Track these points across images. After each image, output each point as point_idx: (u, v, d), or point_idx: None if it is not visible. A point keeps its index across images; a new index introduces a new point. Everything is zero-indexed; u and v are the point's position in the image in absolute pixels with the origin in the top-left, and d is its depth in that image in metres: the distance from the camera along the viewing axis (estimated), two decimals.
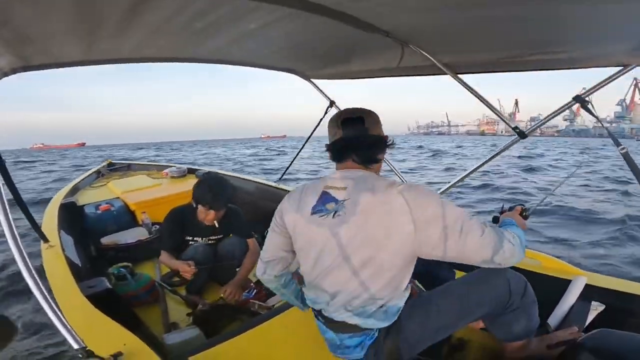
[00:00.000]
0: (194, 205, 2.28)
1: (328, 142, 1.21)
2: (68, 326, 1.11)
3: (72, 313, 1.40)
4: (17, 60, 1.46)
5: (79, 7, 1.07)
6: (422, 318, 1.15)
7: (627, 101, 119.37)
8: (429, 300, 1.19)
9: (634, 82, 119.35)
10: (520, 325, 1.23)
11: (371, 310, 1.10)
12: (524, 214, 1.36)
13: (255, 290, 2.21)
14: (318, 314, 1.23)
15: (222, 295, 2.18)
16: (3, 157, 1.71)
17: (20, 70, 1.54)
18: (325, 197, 1.14)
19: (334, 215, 1.10)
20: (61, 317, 1.12)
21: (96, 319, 1.38)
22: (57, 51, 1.51)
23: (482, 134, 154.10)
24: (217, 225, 2.31)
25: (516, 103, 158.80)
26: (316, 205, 1.15)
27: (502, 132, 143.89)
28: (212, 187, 2.23)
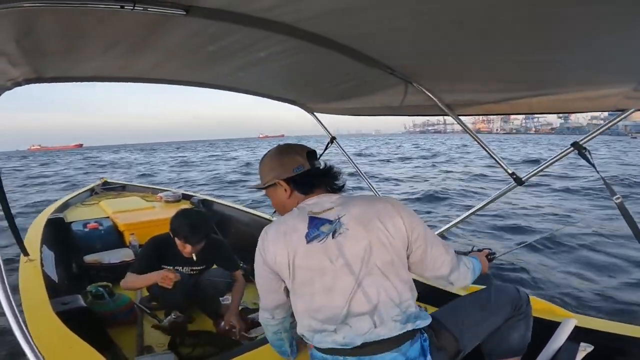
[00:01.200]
0: (172, 236, 2.17)
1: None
2: (30, 340, 1.04)
3: (40, 329, 1.34)
4: (31, 72, 1.48)
5: (99, 25, 1.10)
6: (455, 317, 1.20)
7: None
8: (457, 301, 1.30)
9: None
10: (520, 334, 1.24)
11: (412, 311, 1.09)
12: (490, 257, 1.46)
13: None
14: (358, 351, 1.05)
15: (222, 326, 2.09)
16: None
17: (34, 81, 1.56)
18: (316, 222, 1.09)
19: (333, 235, 1.06)
20: (26, 332, 1.05)
21: (63, 336, 1.31)
22: (71, 66, 1.54)
23: (478, 131, 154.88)
24: (194, 258, 2.18)
25: None
26: (310, 232, 1.07)
27: (496, 130, 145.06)
28: (189, 222, 2.11)
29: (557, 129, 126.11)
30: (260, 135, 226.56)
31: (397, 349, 1.04)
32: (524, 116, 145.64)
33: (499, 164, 1.84)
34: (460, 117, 1.85)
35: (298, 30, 1.14)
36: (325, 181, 1.20)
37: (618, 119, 1.39)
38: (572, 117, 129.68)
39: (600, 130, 1.48)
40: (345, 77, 1.77)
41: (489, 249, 1.49)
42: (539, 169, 1.75)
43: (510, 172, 1.76)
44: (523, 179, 1.74)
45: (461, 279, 1.19)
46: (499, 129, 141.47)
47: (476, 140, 2.03)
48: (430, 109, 1.93)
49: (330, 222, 1.08)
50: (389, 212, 1.09)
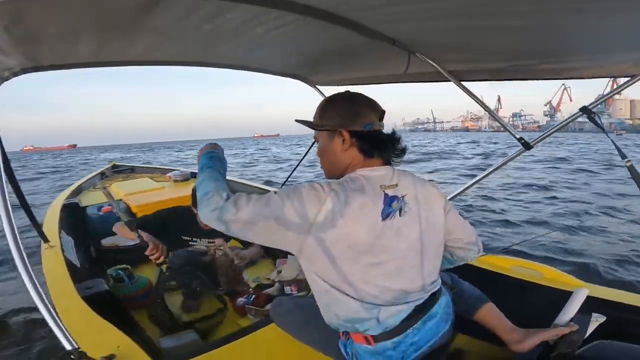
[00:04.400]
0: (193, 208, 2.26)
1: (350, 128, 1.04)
2: (62, 327, 1.10)
3: (68, 314, 1.39)
4: (27, 61, 1.47)
5: (90, 8, 1.08)
6: None
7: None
8: None
9: (562, 87, 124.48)
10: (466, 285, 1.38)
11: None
12: None
13: (254, 296, 2.19)
14: (414, 315, 1.04)
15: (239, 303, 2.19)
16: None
17: (31, 70, 1.54)
18: (388, 199, 1.02)
19: (400, 213, 1.03)
20: (55, 317, 1.11)
21: (91, 320, 1.36)
22: (67, 52, 1.51)
23: (467, 129, 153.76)
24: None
25: (498, 99, 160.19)
26: (385, 209, 1.00)
27: (485, 127, 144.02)
28: None
29: (544, 126, 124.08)
30: (256, 135, 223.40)
31: (444, 296, 1.16)
32: (511, 114, 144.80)
33: (506, 129, 1.83)
34: (462, 83, 1.82)
35: (296, 4, 1.11)
36: (387, 149, 1.09)
37: (627, 84, 1.35)
38: (558, 115, 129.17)
39: (607, 97, 1.44)
40: (346, 49, 1.73)
41: None
42: (547, 134, 1.73)
43: (518, 137, 1.75)
44: (531, 144, 1.73)
45: (481, 247, 1.28)
46: (487, 127, 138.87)
47: (483, 107, 2.02)
48: (434, 75, 1.91)
49: (397, 199, 1.03)
50: (438, 197, 1.14)
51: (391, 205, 1.01)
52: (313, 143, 2.70)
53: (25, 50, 1.35)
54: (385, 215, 1.00)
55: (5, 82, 1.48)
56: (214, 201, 0.96)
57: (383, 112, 1.11)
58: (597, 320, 1.25)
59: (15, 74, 1.51)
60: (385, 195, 1.01)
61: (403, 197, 1.04)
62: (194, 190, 2.18)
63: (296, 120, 1.18)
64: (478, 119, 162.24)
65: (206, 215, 0.97)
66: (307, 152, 2.99)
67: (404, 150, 1.12)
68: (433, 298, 1.10)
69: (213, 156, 1.15)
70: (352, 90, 1.13)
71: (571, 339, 1.14)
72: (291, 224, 0.93)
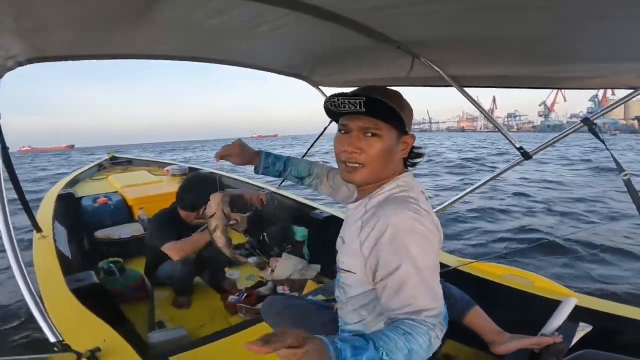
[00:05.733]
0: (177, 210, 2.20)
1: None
2: (48, 318, 1.09)
3: (55, 305, 1.39)
4: (32, 50, 1.45)
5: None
6: None
7: (600, 97, 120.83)
8: None
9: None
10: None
11: None
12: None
13: (245, 294, 2.18)
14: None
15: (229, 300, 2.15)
16: None
17: (36, 60, 1.53)
18: None
19: None
20: (42, 308, 1.10)
21: (78, 313, 1.36)
22: (72, 43, 1.50)
23: (462, 130, 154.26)
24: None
25: (494, 100, 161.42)
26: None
27: (480, 128, 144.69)
28: (186, 187, 2.18)
29: (538, 126, 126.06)
30: (254, 135, 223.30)
31: None
32: (506, 115, 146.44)
33: (507, 137, 1.82)
34: (464, 89, 1.81)
35: (303, 3, 1.10)
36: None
37: (630, 97, 1.34)
38: (553, 115, 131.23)
39: (611, 107, 1.43)
40: (350, 50, 1.73)
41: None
42: (547, 144, 1.72)
43: (517, 146, 1.74)
44: (530, 153, 1.72)
45: None
46: (482, 127, 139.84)
47: (484, 114, 2.01)
48: (436, 80, 1.90)
49: None
50: None
51: None
52: (320, 134, 2.70)
53: (30, 38, 1.33)
54: None
55: (9, 73, 1.47)
56: (424, 342, 0.75)
57: None
58: (583, 329, 1.27)
59: (20, 64, 1.50)
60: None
61: None
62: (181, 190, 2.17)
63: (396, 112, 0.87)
64: (474, 119, 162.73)
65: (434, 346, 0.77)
66: (307, 151, 2.96)
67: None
68: None
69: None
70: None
71: (557, 348, 1.16)
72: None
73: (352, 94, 0.85)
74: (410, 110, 0.94)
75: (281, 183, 3.61)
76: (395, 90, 0.95)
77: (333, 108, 0.91)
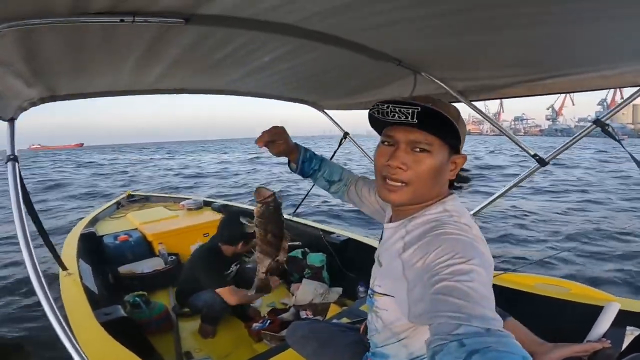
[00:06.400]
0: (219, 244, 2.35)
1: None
2: (81, 352, 1.10)
3: (87, 340, 1.40)
4: (45, 91, 1.54)
5: (104, 43, 1.13)
6: None
7: (608, 101, 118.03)
8: None
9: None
10: None
11: None
12: None
13: (269, 321, 2.17)
14: None
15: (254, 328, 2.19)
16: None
17: (48, 100, 1.62)
18: None
19: None
20: (75, 343, 1.11)
21: (109, 346, 1.37)
22: (83, 84, 1.59)
23: (468, 133, 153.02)
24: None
25: (501, 103, 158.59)
26: None
27: (487, 131, 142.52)
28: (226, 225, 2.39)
29: (546, 130, 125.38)
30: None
31: None
32: (513, 118, 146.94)
33: (520, 146, 1.80)
34: (473, 103, 1.83)
35: (301, 29, 1.13)
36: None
37: (637, 95, 1.34)
38: (560, 119, 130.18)
39: (621, 106, 1.43)
40: (353, 72, 1.76)
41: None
42: (562, 149, 1.70)
43: (532, 153, 1.73)
44: (546, 160, 1.70)
45: None
46: (489, 131, 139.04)
47: (495, 126, 2.00)
48: (442, 96, 1.91)
49: None
50: None
51: None
52: (340, 143, 2.70)
53: (44, 81, 1.41)
54: None
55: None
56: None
57: None
58: (632, 333, 1.21)
59: (34, 104, 1.58)
60: None
61: None
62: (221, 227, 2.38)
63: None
64: (480, 122, 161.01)
65: None
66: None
67: None
68: None
69: None
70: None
71: (606, 354, 1.10)
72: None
73: (406, 102, 0.76)
74: (465, 127, 0.83)
75: (295, 210, 3.61)
76: (451, 104, 0.85)
77: (379, 116, 0.80)
